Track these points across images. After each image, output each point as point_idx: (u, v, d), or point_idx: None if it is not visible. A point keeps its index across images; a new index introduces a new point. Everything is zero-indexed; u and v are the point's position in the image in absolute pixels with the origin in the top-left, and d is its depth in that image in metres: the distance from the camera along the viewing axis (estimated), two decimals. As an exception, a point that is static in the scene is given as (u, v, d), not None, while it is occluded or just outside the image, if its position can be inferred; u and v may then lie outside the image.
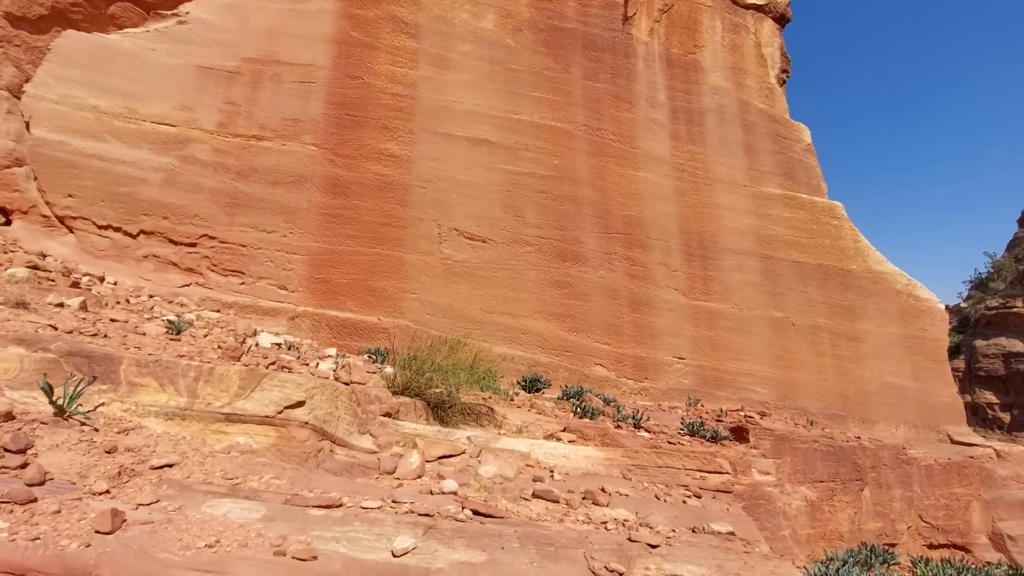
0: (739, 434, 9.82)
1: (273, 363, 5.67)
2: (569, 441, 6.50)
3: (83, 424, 4.31)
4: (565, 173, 14.30)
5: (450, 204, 13.16)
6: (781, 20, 18.81)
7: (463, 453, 5.32)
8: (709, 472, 6.19)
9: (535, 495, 4.70)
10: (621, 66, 15.75)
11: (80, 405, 4.44)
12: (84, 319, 6.01)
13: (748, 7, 17.95)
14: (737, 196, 15.84)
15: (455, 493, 4.29)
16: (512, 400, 9.01)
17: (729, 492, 6.00)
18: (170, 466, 4.05)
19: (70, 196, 11.06)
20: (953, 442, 15.38)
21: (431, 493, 4.25)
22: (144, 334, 6.08)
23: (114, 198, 11.25)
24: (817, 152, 17.52)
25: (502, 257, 13.31)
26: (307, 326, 11.63)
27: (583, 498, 4.78)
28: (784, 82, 18.57)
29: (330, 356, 8.19)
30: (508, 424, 6.89)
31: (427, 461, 5.01)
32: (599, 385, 13.07)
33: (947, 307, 17.56)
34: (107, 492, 3.65)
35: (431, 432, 5.73)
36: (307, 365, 6.64)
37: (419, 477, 4.69)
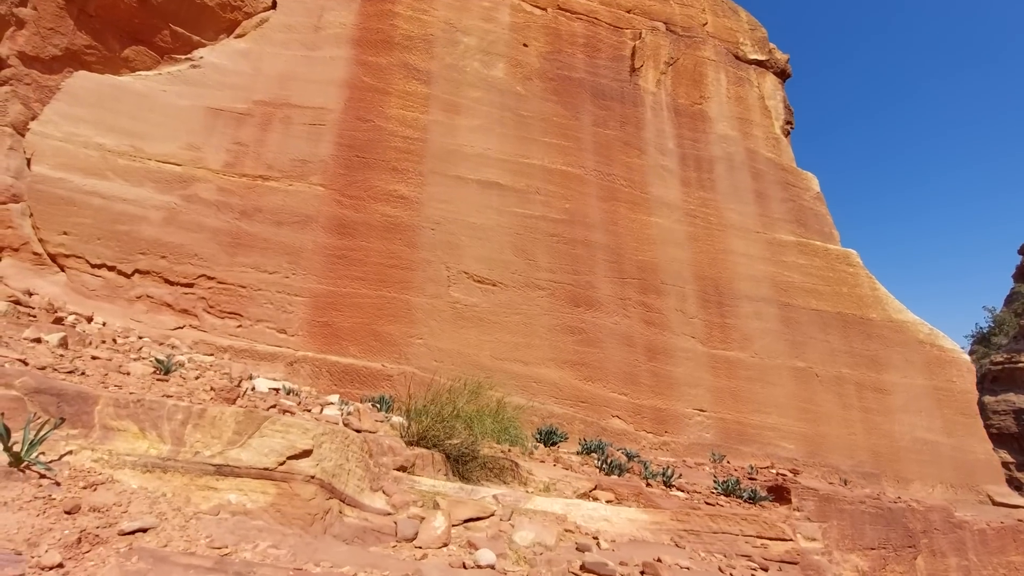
0: (779, 494, 8.92)
1: (273, 406, 4.95)
2: (607, 501, 5.68)
3: (42, 476, 3.56)
4: (577, 217, 13.99)
5: (459, 246, 12.73)
6: (782, 75, 19.29)
7: (492, 515, 4.52)
8: (770, 539, 5.36)
9: (584, 569, 3.89)
10: (630, 114, 15.85)
11: (42, 453, 3.71)
12: (62, 356, 5.33)
13: (750, 62, 18.40)
14: (750, 242, 15.51)
15: (493, 567, 3.50)
16: (532, 454, 8.16)
17: (796, 563, 5.15)
18: (144, 531, 3.29)
19: (65, 233, 10.57)
20: (995, 503, 14.31)
21: (464, 567, 3.46)
22: (128, 373, 5.39)
23: (111, 236, 10.77)
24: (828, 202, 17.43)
25: (513, 301, 12.74)
26: (306, 372, 10.86)
27: (641, 573, 3.98)
28: (788, 133, 18.76)
29: (332, 403, 7.45)
30: (534, 481, 6.07)
31: (452, 525, 4.22)
32: (617, 439, 12.17)
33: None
34: (60, 566, 2.88)
35: (452, 490, 4.93)
36: (309, 411, 5.90)
37: (445, 545, 3.89)
